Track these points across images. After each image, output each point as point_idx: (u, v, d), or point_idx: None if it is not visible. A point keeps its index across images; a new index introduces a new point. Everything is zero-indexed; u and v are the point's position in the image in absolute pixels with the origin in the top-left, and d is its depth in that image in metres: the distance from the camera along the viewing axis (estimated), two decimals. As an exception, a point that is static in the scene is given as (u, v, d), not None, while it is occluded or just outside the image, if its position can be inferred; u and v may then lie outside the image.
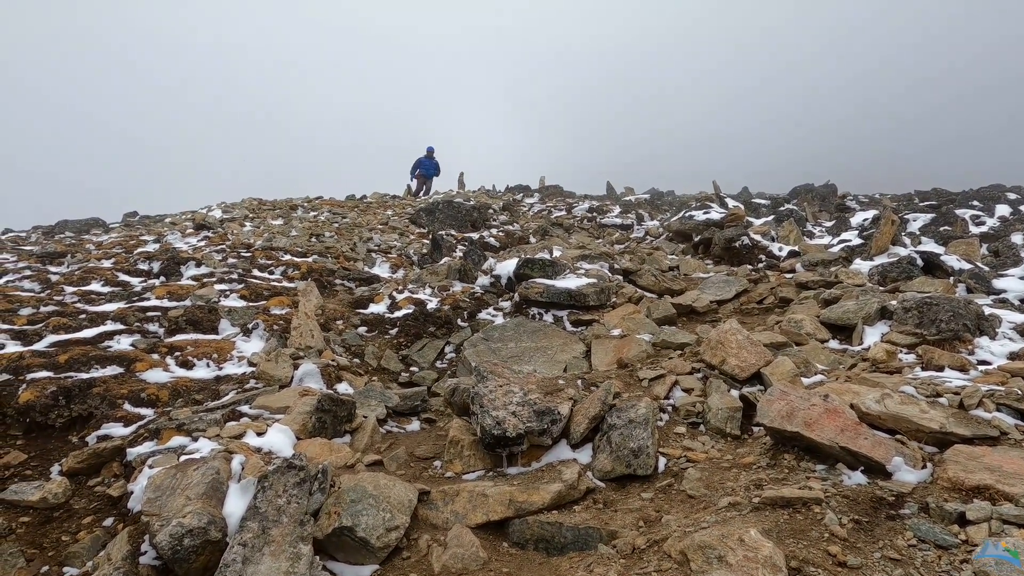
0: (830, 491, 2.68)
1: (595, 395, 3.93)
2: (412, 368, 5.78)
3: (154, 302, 6.25)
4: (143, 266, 7.64)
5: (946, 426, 2.96)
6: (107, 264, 7.81)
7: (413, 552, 2.90)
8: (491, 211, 13.95)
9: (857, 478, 2.79)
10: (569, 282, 6.77)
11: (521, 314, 6.59)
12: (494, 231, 12.11)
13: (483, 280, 7.57)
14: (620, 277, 7.67)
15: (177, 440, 3.70)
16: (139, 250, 8.57)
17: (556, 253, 8.39)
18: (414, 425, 4.58)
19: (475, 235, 11.60)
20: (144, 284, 7.00)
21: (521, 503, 3.13)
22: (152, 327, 5.64)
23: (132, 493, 3.26)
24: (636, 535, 2.77)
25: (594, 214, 14.32)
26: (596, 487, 3.36)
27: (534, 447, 3.69)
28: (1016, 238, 8.71)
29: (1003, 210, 11.30)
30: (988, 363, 4.09)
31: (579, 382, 4.41)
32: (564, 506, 3.20)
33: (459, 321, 6.57)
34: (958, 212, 11.01)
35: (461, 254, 9.16)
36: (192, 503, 2.84)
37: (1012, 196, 12.56)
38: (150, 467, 3.34)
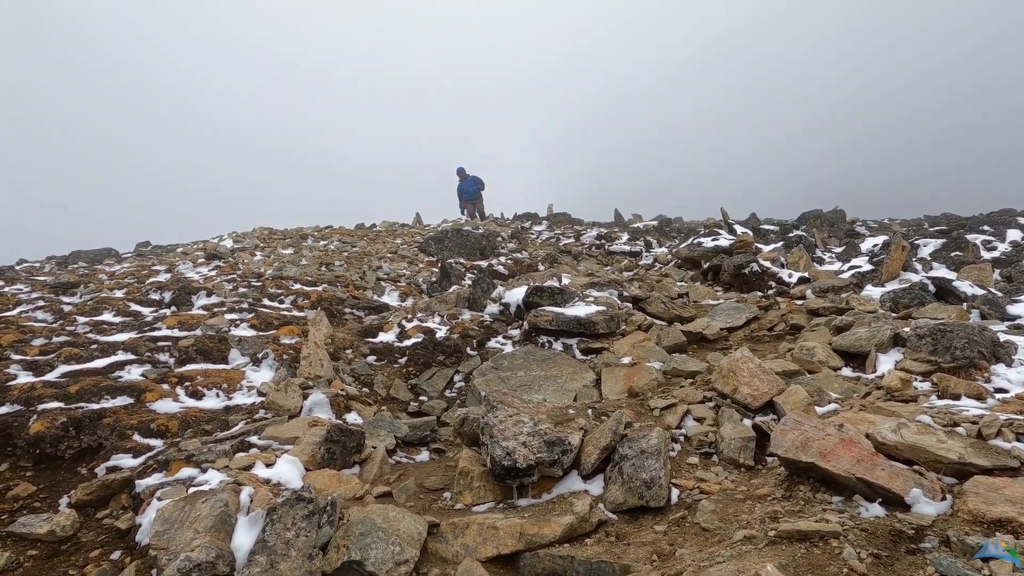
0: (848, 524, 2.63)
1: (606, 425, 3.89)
2: (421, 397, 5.76)
3: (165, 332, 6.27)
4: (155, 296, 7.70)
5: (965, 456, 2.91)
6: (119, 294, 7.88)
7: (423, 587, 2.85)
8: (500, 239, 14.00)
9: (875, 510, 2.74)
10: (578, 310, 6.76)
11: (530, 342, 6.57)
12: (503, 259, 12.14)
13: (492, 308, 7.57)
14: (629, 304, 7.65)
15: (186, 471, 3.68)
16: (151, 280, 8.64)
17: (565, 281, 8.39)
18: (423, 455, 4.55)
19: (484, 263, 11.63)
20: (155, 314, 7.05)
21: (532, 536, 3.08)
22: (163, 357, 5.65)
23: (140, 526, 3.24)
24: (650, 569, 2.72)
25: (602, 241, 14.33)
26: (608, 519, 3.31)
27: (545, 478, 3.65)
28: (1029, 263, 8.64)
29: (1014, 235, 11.22)
30: (1005, 391, 4.03)
31: (589, 412, 4.38)
32: (576, 539, 3.15)
33: (468, 349, 6.56)
34: (969, 237, 10.94)
35: (470, 282, 9.18)
36: (200, 536, 2.82)
37: (1023, 220, 12.49)
38: (159, 499, 3.33)
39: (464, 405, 5.48)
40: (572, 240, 14.95)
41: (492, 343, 6.76)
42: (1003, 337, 4.90)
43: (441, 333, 6.82)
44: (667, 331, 6.48)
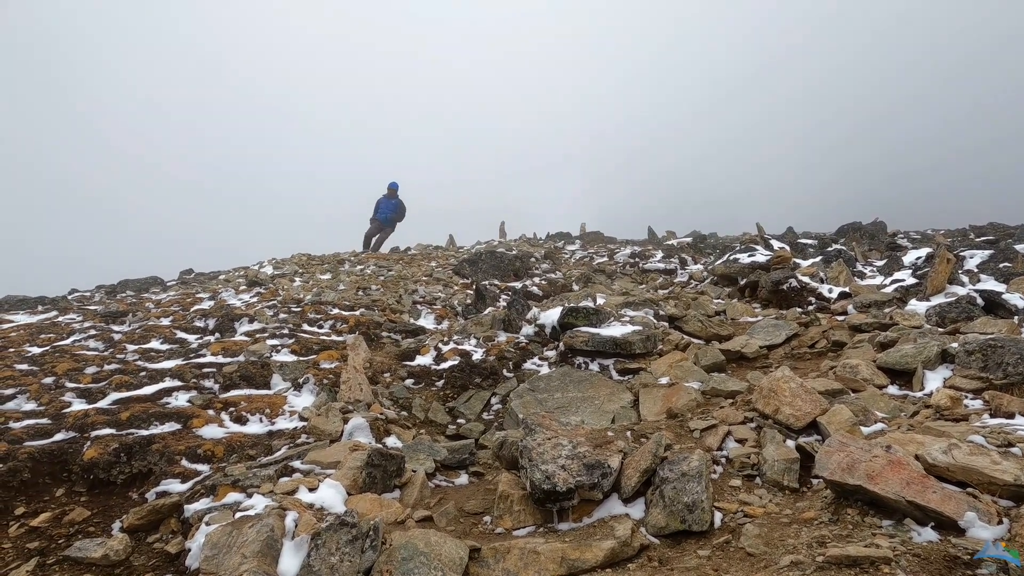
0: (899, 549, 2.56)
1: (646, 447, 3.86)
2: (459, 420, 5.79)
3: (209, 358, 6.45)
4: (199, 323, 7.92)
5: (1021, 478, 2.81)
6: (165, 322, 8.13)
7: (465, 612, 2.86)
8: (533, 259, 14.06)
9: (927, 534, 2.66)
10: (614, 330, 6.74)
11: (566, 363, 6.56)
12: (537, 279, 12.18)
13: (527, 330, 7.59)
14: (666, 323, 7.60)
15: (232, 496, 3.76)
16: (195, 308, 8.90)
17: (600, 300, 8.37)
18: (462, 479, 4.56)
19: (518, 284, 11.68)
20: (200, 341, 7.25)
21: (574, 560, 3.07)
22: (207, 383, 5.81)
23: (190, 550, 3.32)
24: (694, 596, 2.68)
25: (636, 259, 14.28)
26: (650, 544, 3.28)
27: (584, 502, 3.63)
28: (1083, 273, 8.31)
29: (1066, 244, 10.80)
30: (1063, 408, 3.87)
31: (628, 434, 4.35)
32: (618, 563, 3.12)
33: (504, 371, 6.58)
34: (1018, 247, 10.58)
35: (505, 304, 9.22)
36: (248, 561, 2.88)
37: (1075, 229, 12.03)
38: (207, 524, 3.40)
39: (502, 427, 5.50)
40: (606, 259, 14.93)
41: (528, 365, 6.78)
42: (1058, 352, 4.72)
43: (477, 355, 6.87)
44: (705, 350, 6.41)
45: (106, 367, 6.11)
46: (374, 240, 16.38)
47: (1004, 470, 2.87)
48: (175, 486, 4.16)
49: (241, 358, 6.40)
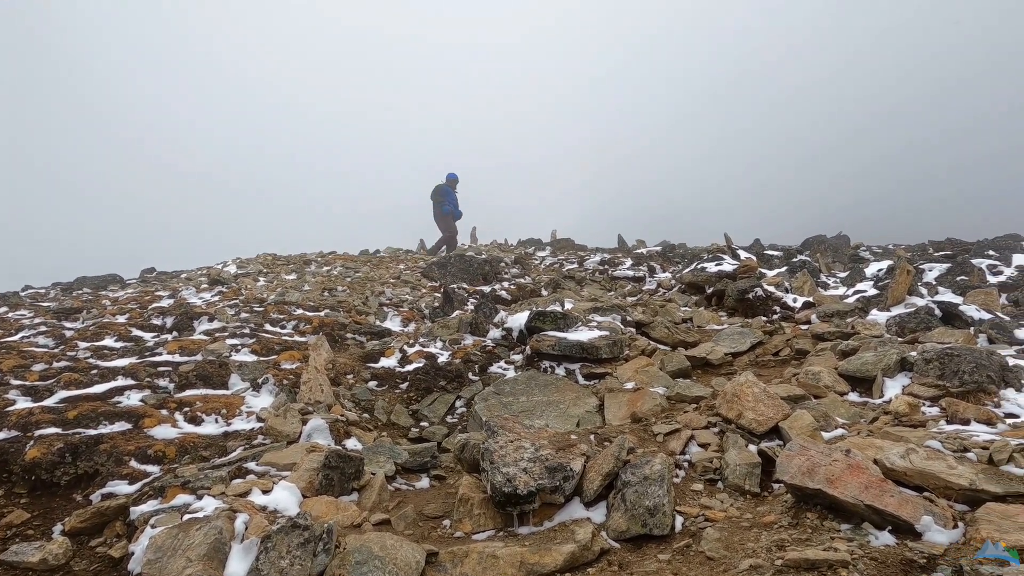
0: (857, 552, 2.55)
1: (608, 451, 3.82)
2: (422, 423, 5.69)
3: (166, 357, 6.25)
4: (157, 321, 7.69)
5: (976, 483, 2.84)
6: (121, 319, 7.87)
7: (420, 618, 2.77)
8: (503, 264, 14.01)
9: (885, 538, 2.66)
10: (581, 335, 6.71)
11: (533, 367, 6.51)
12: (506, 284, 12.13)
13: (494, 333, 7.53)
14: (633, 329, 7.60)
15: (182, 498, 3.62)
16: (153, 305, 8.65)
17: (568, 306, 8.35)
18: (423, 482, 4.47)
19: (487, 288, 11.61)
20: (157, 339, 7.03)
21: (533, 565, 3.01)
22: (162, 382, 5.62)
23: (133, 554, 3.18)
24: (653, 600, 2.64)
25: (606, 266, 14.32)
26: (611, 548, 3.23)
27: (546, 505, 3.57)
28: (1035, 287, 8.56)
29: (1020, 259, 11.13)
30: (1016, 416, 3.95)
31: (592, 437, 4.31)
32: (578, 568, 3.07)
33: (470, 375, 6.50)
34: (974, 262, 10.87)
35: (473, 307, 9.15)
36: (193, 565, 2.76)
37: (1028, 245, 12.42)
38: (152, 526, 3.26)
39: (465, 431, 5.42)
40: (576, 265, 14.95)
41: (494, 368, 6.71)
42: (1012, 361, 4.83)
43: (443, 358, 6.78)
44: (671, 356, 6.43)
45: (55, 364, 5.87)
46: (445, 242, 14.78)
47: (960, 474, 2.89)
48: (122, 488, 3.99)
49: (199, 357, 6.22)
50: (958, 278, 9.78)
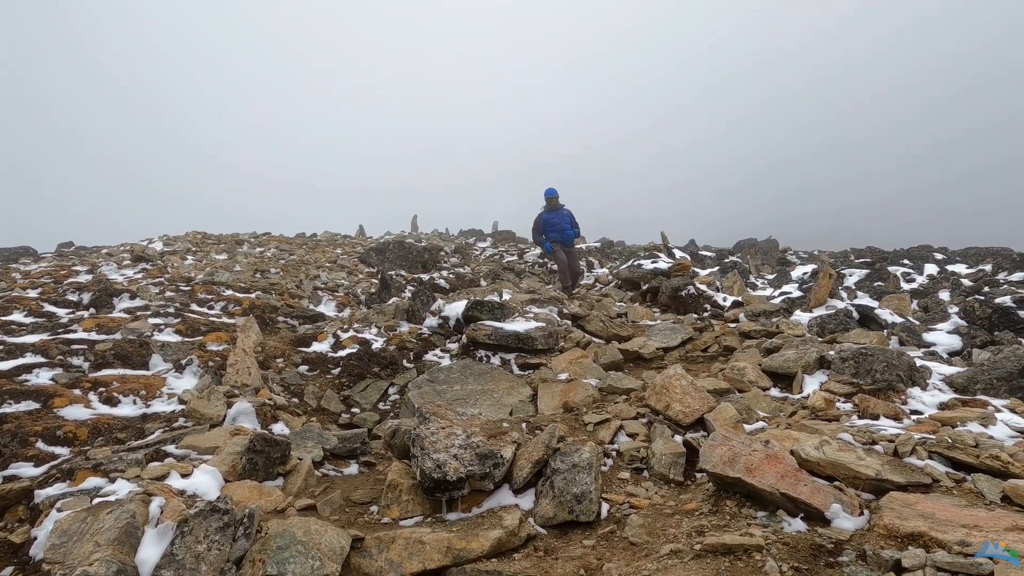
0: (771, 538, 2.66)
1: (539, 439, 3.86)
2: (353, 409, 5.60)
3: (81, 335, 5.92)
4: (72, 297, 7.27)
5: (882, 473, 3.00)
6: (33, 294, 7.40)
7: (342, 603, 2.73)
8: (443, 253, 13.92)
9: (797, 525, 2.79)
10: (518, 325, 6.74)
11: (468, 356, 6.50)
12: (445, 273, 12.06)
13: (431, 321, 7.47)
14: (569, 322, 7.69)
15: (92, 481, 3.45)
16: (69, 280, 8.17)
17: (506, 296, 8.37)
18: (352, 469, 4.40)
19: (425, 276, 11.52)
20: (72, 316, 6.65)
21: (460, 550, 3.00)
22: (76, 361, 5.33)
23: (36, 539, 3.00)
24: (576, 584, 2.68)
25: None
26: (537, 534, 3.26)
27: (475, 492, 3.58)
28: (943, 295, 9.15)
29: (931, 269, 11.89)
30: (920, 412, 4.20)
31: (524, 426, 4.34)
32: (504, 553, 3.09)
33: (405, 362, 6.43)
34: (891, 269, 11.53)
35: (410, 294, 9.05)
36: (101, 549, 2.63)
37: (939, 256, 13.26)
38: (58, 510, 3.09)
39: (398, 418, 5.36)
40: (516, 258, 15.01)
41: (430, 356, 6.66)
42: (919, 362, 5.13)
43: (377, 345, 6.68)
44: (605, 349, 6.53)
45: (-45, 339, 5.47)
46: (571, 273, 11.03)
47: (867, 465, 3.05)
48: (27, 470, 3.76)
49: (118, 336, 5.92)
50: (875, 283, 10.34)
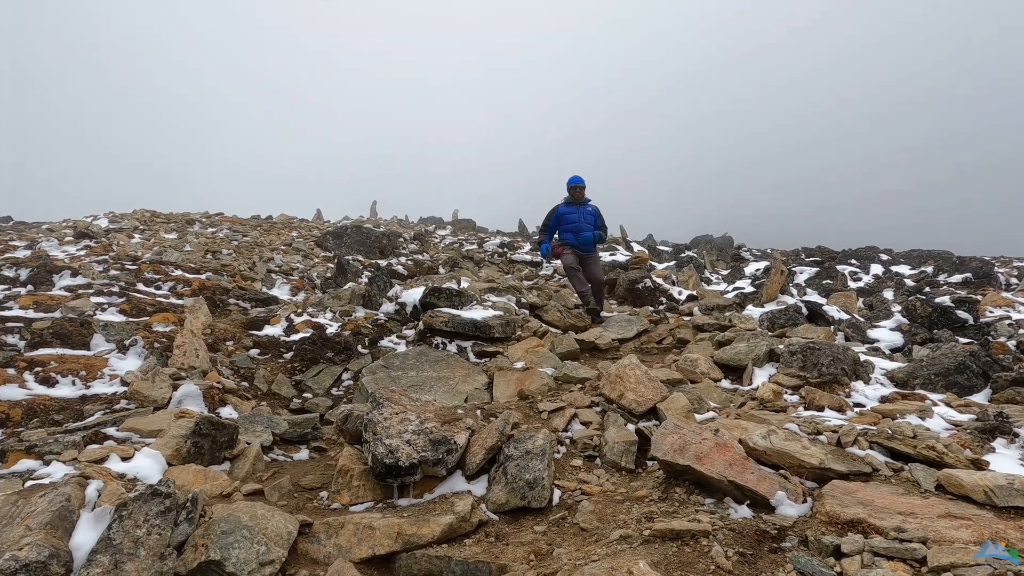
0: (718, 524, 2.71)
1: (493, 425, 3.85)
2: (306, 395, 5.49)
3: (17, 312, 5.66)
4: (9, 272, 6.94)
5: (825, 462, 3.09)
6: (-35, 269, 7.04)
7: (288, 589, 2.68)
8: (401, 240, 13.77)
9: (743, 511, 2.85)
10: (475, 313, 6.71)
11: (425, 343, 6.44)
12: (403, 259, 11.94)
13: (388, 307, 7.38)
14: (526, 311, 7.70)
15: (25, 464, 3.31)
16: (6, 255, 7.79)
17: (464, 284, 8.33)
18: (303, 454, 4.32)
19: (383, 262, 11.38)
20: (7, 292, 6.34)
21: (410, 536, 2.98)
22: (11, 339, 5.09)
23: (-39, 523, 2.85)
24: (527, 569, 2.69)
25: (505, 249, 14.42)
26: (489, 520, 3.26)
27: (428, 478, 3.55)
28: (887, 294, 9.48)
29: (876, 269, 12.30)
30: (863, 405, 4.34)
31: (478, 412, 4.33)
32: (455, 539, 3.07)
33: (360, 348, 6.34)
34: (839, 268, 11.88)
35: (367, 280, 8.92)
36: (32, 533, 2.51)
37: (884, 257, 13.72)
38: (-13, 494, 2.94)
39: (351, 404, 5.28)
40: (475, 247, 14.94)
41: (385, 342, 6.58)
42: (863, 357, 5.30)
43: (332, 329, 6.57)
44: (561, 339, 6.56)
45: None
46: (592, 283, 8.02)
47: (812, 454, 3.14)
48: (-46, 452, 3.57)
49: (57, 314, 5.67)
50: (824, 281, 10.64)
